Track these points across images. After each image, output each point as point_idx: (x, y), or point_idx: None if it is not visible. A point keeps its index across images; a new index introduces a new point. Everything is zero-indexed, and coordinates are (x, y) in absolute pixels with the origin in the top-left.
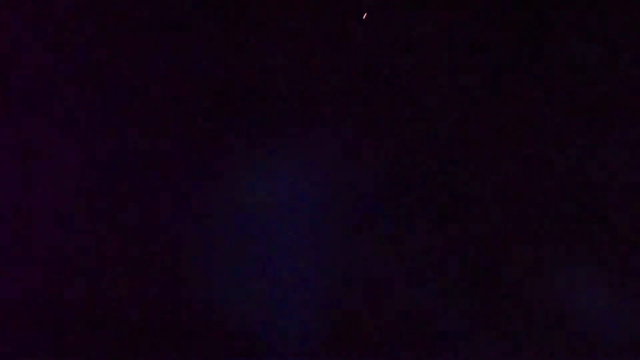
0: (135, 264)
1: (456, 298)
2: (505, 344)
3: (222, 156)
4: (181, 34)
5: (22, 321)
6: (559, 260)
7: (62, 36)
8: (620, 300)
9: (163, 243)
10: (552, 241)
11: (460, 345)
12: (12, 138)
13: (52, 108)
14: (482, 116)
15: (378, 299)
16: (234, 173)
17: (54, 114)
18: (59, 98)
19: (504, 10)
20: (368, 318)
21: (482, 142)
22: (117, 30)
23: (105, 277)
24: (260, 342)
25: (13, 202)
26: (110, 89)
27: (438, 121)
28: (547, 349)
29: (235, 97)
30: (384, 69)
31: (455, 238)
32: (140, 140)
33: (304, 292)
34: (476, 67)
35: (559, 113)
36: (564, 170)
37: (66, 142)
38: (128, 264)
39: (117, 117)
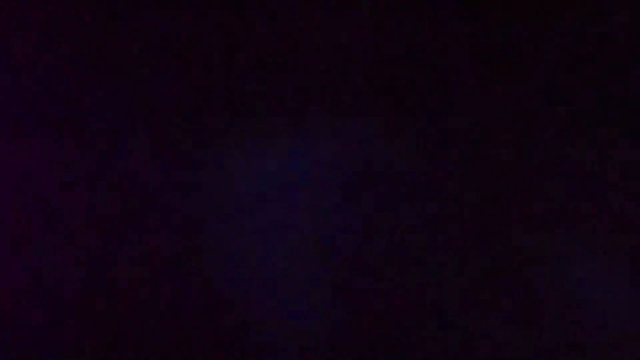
0: (136, 259)
1: (461, 295)
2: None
3: (225, 148)
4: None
5: (24, 321)
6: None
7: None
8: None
9: (166, 234)
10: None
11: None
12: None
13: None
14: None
15: (385, 297)
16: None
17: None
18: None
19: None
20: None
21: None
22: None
23: (106, 274)
24: (265, 341)
25: (13, 200)
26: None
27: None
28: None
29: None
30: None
31: (457, 232)
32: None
33: (310, 291)
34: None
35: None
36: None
37: (60, 133)
38: (130, 259)
39: (113, 106)
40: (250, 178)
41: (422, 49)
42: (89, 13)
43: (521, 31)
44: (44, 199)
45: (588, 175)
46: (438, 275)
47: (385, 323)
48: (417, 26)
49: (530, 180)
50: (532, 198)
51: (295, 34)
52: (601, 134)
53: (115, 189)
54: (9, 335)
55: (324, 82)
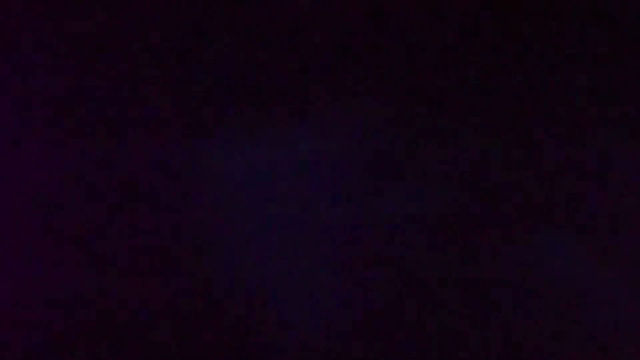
0: (137, 257)
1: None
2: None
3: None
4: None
5: (23, 320)
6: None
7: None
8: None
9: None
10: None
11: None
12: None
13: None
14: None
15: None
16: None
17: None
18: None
19: None
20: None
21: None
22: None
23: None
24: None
25: (13, 200)
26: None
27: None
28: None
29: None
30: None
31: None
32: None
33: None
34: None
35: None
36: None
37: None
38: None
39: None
40: (250, 176)
41: (423, 46)
42: (89, 12)
43: (522, 29)
44: (44, 199)
45: (588, 175)
46: (439, 273)
47: (385, 322)
48: (418, 19)
49: (530, 179)
50: (533, 196)
51: (294, 25)
52: (601, 133)
53: (115, 189)
54: (8, 335)
55: (323, 79)
